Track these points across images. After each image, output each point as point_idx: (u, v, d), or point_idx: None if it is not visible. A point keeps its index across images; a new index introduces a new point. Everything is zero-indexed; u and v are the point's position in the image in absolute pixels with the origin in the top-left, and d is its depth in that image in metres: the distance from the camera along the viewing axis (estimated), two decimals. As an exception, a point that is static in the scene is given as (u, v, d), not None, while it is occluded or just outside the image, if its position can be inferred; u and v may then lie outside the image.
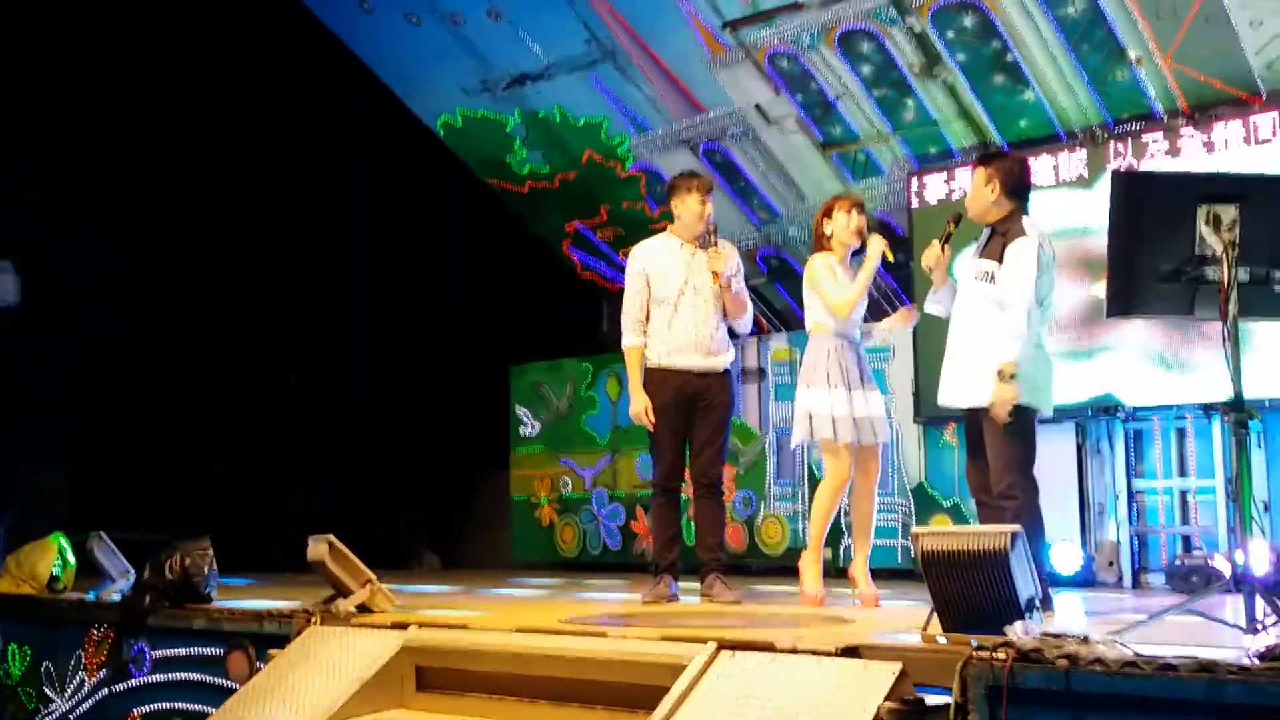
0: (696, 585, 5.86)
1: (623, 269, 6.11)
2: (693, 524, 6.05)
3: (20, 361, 8.97)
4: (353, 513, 8.90)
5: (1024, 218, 4.99)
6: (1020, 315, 4.82)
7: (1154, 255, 3.76)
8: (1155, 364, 7.39)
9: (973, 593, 3.44)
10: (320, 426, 10.71)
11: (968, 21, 7.85)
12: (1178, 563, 7.22)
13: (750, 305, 5.89)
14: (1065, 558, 7.41)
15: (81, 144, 9.49)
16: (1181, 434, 7.71)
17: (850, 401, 5.42)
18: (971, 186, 5.12)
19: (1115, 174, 3.82)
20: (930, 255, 5.16)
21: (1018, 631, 3.28)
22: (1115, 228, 3.81)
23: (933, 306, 5.38)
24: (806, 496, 9.00)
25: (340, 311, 10.98)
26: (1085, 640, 3.18)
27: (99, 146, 9.58)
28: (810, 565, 5.51)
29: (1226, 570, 6.74)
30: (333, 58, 10.08)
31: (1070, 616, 5.02)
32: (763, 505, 9.22)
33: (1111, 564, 7.72)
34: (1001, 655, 3.17)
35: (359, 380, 11.14)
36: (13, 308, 8.05)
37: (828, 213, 5.66)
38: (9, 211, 8.70)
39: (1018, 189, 5.03)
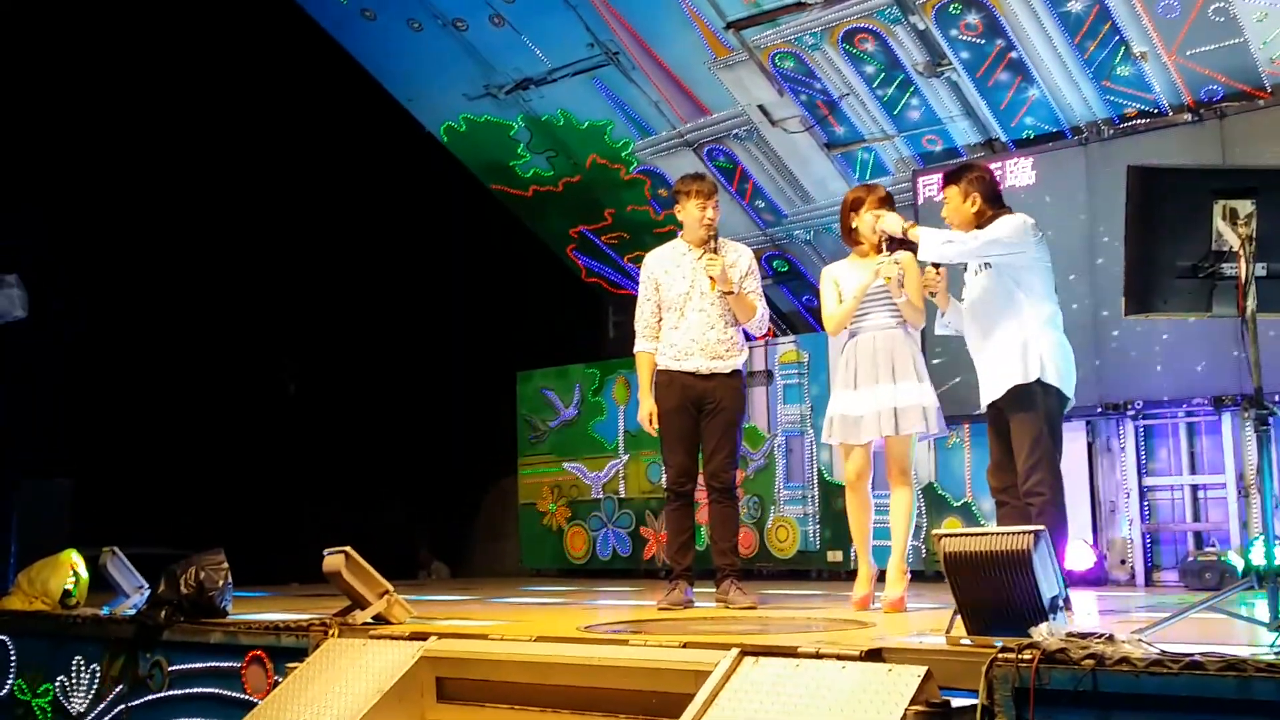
0: (710, 590, 5.85)
1: (627, 273, 6.11)
2: (705, 529, 6.03)
3: (20, 372, 8.93)
4: (357, 523, 8.85)
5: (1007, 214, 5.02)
6: (971, 238, 4.84)
7: (1171, 251, 3.73)
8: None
9: (996, 594, 3.41)
10: (324, 437, 10.66)
11: (971, 19, 7.84)
12: (1190, 559, 7.23)
13: (761, 308, 5.86)
14: (1078, 556, 7.41)
15: (77, 153, 9.45)
16: (1192, 430, 7.70)
17: (850, 400, 5.33)
18: (948, 204, 5.10)
19: (1130, 169, 3.78)
20: (929, 278, 5.14)
21: (1043, 632, 3.26)
22: (1131, 223, 3.79)
23: (944, 330, 5.35)
24: (817, 499, 8.98)
25: (345, 323, 10.93)
26: (1110, 639, 3.16)
27: (97, 153, 9.53)
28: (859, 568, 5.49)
29: (1239, 566, 6.80)
30: (327, 67, 10.05)
31: (1088, 616, 5.00)
32: (772, 508, 9.19)
33: (1124, 562, 7.73)
34: (1027, 656, 3.15)
35: (363, 390, 11.09)
36: (19, 321, 8.03)
37: (854, 207, 5.40)
38: (11, 225, 8.69)
39: (994, 195, 5.08)
